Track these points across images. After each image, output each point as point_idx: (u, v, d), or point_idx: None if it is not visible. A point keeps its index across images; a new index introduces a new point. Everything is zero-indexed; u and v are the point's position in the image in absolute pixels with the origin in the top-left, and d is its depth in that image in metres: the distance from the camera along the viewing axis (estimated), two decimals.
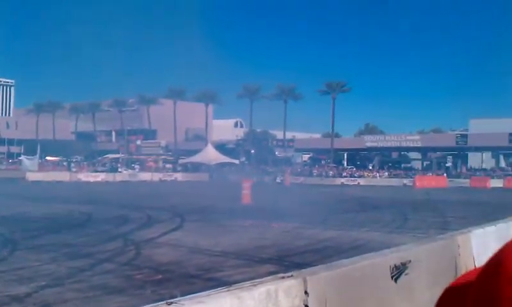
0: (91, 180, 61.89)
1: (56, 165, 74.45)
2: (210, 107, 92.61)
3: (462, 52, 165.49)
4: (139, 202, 29.12)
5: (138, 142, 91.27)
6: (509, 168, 66.82)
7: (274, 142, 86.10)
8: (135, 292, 9.10)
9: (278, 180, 60.35)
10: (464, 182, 58.96)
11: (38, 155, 70.47)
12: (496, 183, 56.21)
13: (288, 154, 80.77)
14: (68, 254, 12.70)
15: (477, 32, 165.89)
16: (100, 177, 63.96)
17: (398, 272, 6.75)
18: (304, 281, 5.36)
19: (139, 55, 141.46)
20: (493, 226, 9.40)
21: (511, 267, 0.62)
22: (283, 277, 5.43)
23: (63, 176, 61.92)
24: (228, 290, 5.00)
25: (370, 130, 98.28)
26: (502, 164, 73.56)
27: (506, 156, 74.78)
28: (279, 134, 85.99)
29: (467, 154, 74.71)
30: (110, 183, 59.23)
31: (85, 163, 79.92)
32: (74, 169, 70.01)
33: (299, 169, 73.57)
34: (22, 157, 71.93)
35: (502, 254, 0.66)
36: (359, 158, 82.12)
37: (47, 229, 17.51)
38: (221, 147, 78.64)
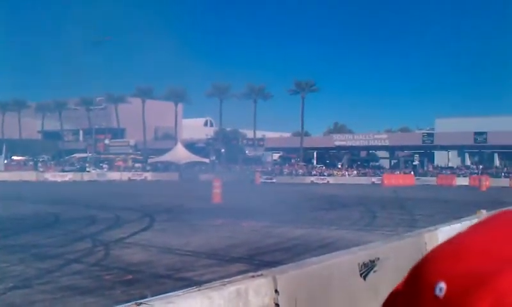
0: (59, 179, 61.03)
1: (22, 165, 73.09)
2: (180, 106, 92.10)
3: (429, 51, 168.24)
4: (108, 202, 28.83)
5: (106, 141, 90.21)
6: (474, 166, 68.20)
7: (245, 141, 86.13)
8: (104, 293, 9.04)
9: (263, 179, 60.02)
10: (431, 180, 60.05)
11: (3, 155, 69.11)
12: (462, 181, 57.42)
13: (258, 153, 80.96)
14: (36, 255, 12.52)
15: (443, 33, 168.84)
16: (68, 177, 63.10)
17: (367, 269, 6.87)
18: (274, 280, 5.42)
19: (106, 53, 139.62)
20: (459, 224, 9.61)
21: (428, 276, 0.66)
22: (253, 276, 5.48)
23: (30, 175, 60.92)
24: (198, 290, 5.02)
25: (339, 129, 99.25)
26: (468, 162, 75.06)
27: (471, 154, 76.34)
28: (249, 133, 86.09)
29: (433, 152, 76.03)
30: (78, 182, 58.48)
31: (52, 162, 78.68)
32: (41, 169, 68.86)
33: (269, 168, 73.80)
34: None
35: (421, 267, 0.70)
36: (328, 157, 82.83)
37: (13, 230, 17.19)
38: (190, 146, 78.36)
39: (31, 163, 75.48)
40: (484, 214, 11.24)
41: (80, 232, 16.79)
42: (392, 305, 0.77)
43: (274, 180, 62.23)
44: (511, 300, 0.55)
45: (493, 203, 24.57)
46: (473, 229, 0.68)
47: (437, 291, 0.62)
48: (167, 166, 72.84)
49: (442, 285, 0.62)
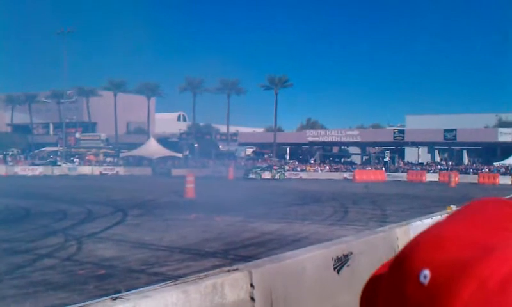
0: (29, 173, 60.04)
1: None
2: (153, 100, 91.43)
3: (400, 49, 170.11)
4: (80, 196, 28.51)
5: (77, 134, 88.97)
6: (444, 163, 69.33)
7: (218, 136, 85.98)
8: (77, 288, 8.97)
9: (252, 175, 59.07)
10: (402, 176, 60.81)
11: None
12: (431, 177, 58.28)
13: (231, 148, 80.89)
14: (6, 250, 12.34)
15: (414, 31, 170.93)
16: (38, 171, 62.09)
17: (340, 263, 6.97)
18: (250, 274, 5.46)
19: (77, 45, 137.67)
20: (430, 219, 9.79)
21: (412, 264, 0.70)
22: (228, 271, 5.52)
23: None
24: (174, 284, 5.04)
25: (311, 125, 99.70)
26: (437, 158, 76.29)
27: (441, 151, 77.59)
28: (222, 128, 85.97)
29: (404, 149, 77.05)
30: (48, 177, 57.60)
31: (22, 156, 77.34)
32: (11, 163, 67.64)
33: (242, 163, 73.81)
34: None
35: (404, 255, 0.73)
36: (301, 153, 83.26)
37: None
38: (163, 140, 77.90)
39: (0, 156, 74.11)
40: (454, 209, 11.46)
41: (51, 226, 16.59)
42: (372, 290, 0.80)
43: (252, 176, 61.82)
44: (493, 286, 0.57)
45: (462, 199, 25.06)
46: (451, 218, 0.72)
47: (421, 279, 0.65)
48: (139, 161, 72.27)
49: (426, 273, 0.65)
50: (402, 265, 0.67)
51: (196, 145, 77.54)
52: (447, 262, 0.62)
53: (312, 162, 74.56)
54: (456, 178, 51.69)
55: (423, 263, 0.64)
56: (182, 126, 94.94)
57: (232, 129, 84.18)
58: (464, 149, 74.96)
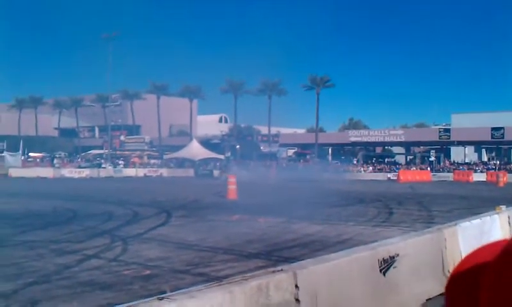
0: (75, 176, 61.52)
1: (39, 162, 73.74)
2: (195, 102, 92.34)
3: (444, 46, 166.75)
4: (125, 198, 28.99)
5: (122, 137, 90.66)
6: (492, 162, 67.54)
7: (259, 138, 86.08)
8: (123, 288, 9.08)
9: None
10: (448, 176, 59.54)
11: (20, 151, 69.78)
12: (479, 177, 56.83)
13: (273, 149, 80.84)
14: (54, 251, 12.62)
15: (459, 27, 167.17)
16: (84, 173, 63.58)
17: (386, 265, 6.84)
18: (295, 275, 5.41)
19: (121, 49, 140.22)
20: (479, 219, 9.53)
21: None
22: (273, 272, 5.48)
23: (47, 172, 61.47)
24: (219, 285, 5.03)
25: (354, 125, 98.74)
26: (485, 158, 74.38)
27: (488, 150, 75.60)
28: (264, 129, 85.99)
29: (450, 148, 75.39)
30: (94, 179, 58.89)
31: (68, 159, 79.30)
32: (58, 165, 69.44)
33: (284, 164, 73.68)
34: (5, 154, 71.04)
35: None
36: (343, 153, 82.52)
37: (32, 226, 17.36)
38: (205, 142, 78.51)
39: (47, 160, 76.14)
40: (503, 210, 11.12)
41: (98, 228, 16.90)
42: (460, 285, 0.75)
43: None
44: None
45: (511, 199, 24.32)
46: None
47: None
48: (182, 162, 73.05)
49: None
50: None
51: (237, 147, 77.84)
52: None
53: (355, 162, 73.79)
54: (505, 178, 50.23)
55: None
56: (224, 128, 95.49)
57: (273, 130, 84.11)
58: None
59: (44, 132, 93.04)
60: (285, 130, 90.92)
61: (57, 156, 78.55)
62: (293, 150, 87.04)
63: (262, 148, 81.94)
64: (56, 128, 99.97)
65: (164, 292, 5.45)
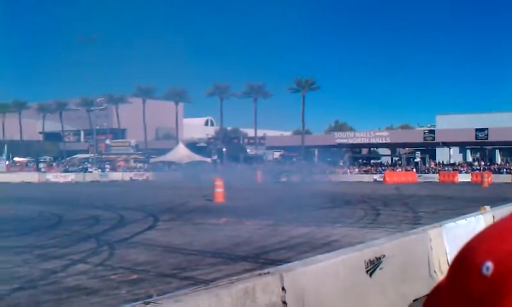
0: (61, 180, 61.06)
1: (24, 166, 73.11)
2: (181, 106, 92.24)
3: (429, 48, 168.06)
4: (111, 202, 28.82)
5: (107, 141, 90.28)
6: (476, 163, 68.15)
7: (246, 140, 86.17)
8: (110, 293, 9.03)
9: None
10: (433, 177, 59.98)
11: (5, 156, 69.15)
12: (464, 177, 57.36)
13: (259, 152, 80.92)
14: (40, 256, 12.52)
15: (444, 29, 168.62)
16: (70, 177, 63.12)
17: (373, 266, 6.88)
18: (281, 278, 5.43)
19: (106, 53, 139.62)
20: (464, 220, 9.62)
21: (475, 257, 0.67)
22: (260, 274, 5.50)
23: (32, 177, 60.91)
24: (205, 288, 5.03)
25: (339, 126, 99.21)
26: (469, 158, 75.02)
27: (473, 151, 76.28)
28: (250, 132, 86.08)
29: (435, 149, 75.95)
30: (80, 183, 58.49)
31: (54, 163, 78.73)
32: (43, 170, 68.90)
33: (270, 167, 73.67)
34: None
35: (467, 249, 0.71)
36: (330, 155, 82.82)
37: (17, 231, 17.20)
38: (192, 145, 78.38)
39: (33, 164, 75.52)
40: (488, 211, 11.24)
41: (84, 232, 16.80)
42: (436, 297, 0.78)
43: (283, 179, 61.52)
44: None
45: (496, 199, 24.57)
46: None
47: (484, 271, 0.63)
48: (168, 166, 72.85)
49: (489, 264, 0.63)
50: (464, 258, 0.65)
51: (224, 149, 77.81)
52: (510, 253, 0.61)
53: (341, 164, 74.04)
54: (489, 178, 50.74)
55: (486, 255, 0.63)
56: (210, 131, 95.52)
57: (260, 133, 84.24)
58: (496, 148, 73.52)
59: (29, 137, 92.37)
60: (271, 133, 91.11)
61: (42, 160, 77.94)
62: (279, 153, 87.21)
63: (248, 150, 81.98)
64: (40, 133, 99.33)
65: (151, 296, 5.44)
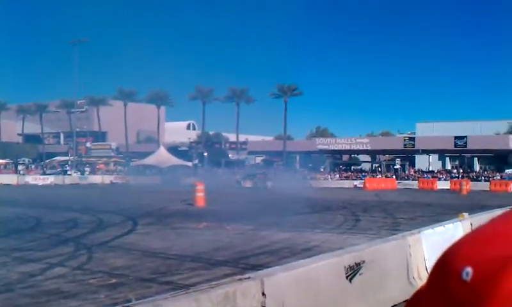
0: (40, 183, 60.39)
1: (2, 168, 72.14)
2: (162, 109, 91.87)
3: (410, 56, 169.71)
4: (90, 205, 28.58)
5: (88, 144, 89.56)
6: (455, 170, 68.92)
7: (228, 145, 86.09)
8: (89, 297, 8.95)
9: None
10: (413, 184, 60.51)
11: None
12: (443, 185, 57.94)
13: (241, 157, 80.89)
14: (18, 259, 12.36)
15: (424, 37, 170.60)
16: (49, 180, 62.46)
17: (352, 272, 6.92)
18: (262, 283, 5.44)
19: (87, 55, 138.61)
20: (442, 227, 9.71)
21: (455, 262, 0.69)
22: (240, 279, 5.49)
23: (11, 179, 60.18)
24: (185, 293, 5.02)
25: (321, 132, 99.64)
26: (448, 166, 75.86)
27: (452, 158, 77.16)
28: (232, 137, 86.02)
29: (415, 156, 76.69)
30: (59, 186, 57.92)
31: (33, 166, 77.82)
32: (22, 172, 68.06)
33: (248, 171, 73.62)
34: None
35: (447, 255, 0.72)
36: (311, 161, 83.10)
37: None
38: (173, 149, 78.07)
39: (11, 166, 74.55)
40: (466, 218, 11.37)
41: (62, 235, 16.62)
42: (416, 302, 0.79)
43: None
44: None
45: (474, 207, 24.89)
46: (495, 220, 0.71)
47: (464, 276, 0.65)
48: (149, 169, 72.44)
49: (469, 270, 0.65)
50: (444, 264, 0.67)
51: (205, 154, 77.64)
52: (489, 258, 0.62)
53: (322, 170, 74.34)
54: (468, 186, 51.35)
55: (465, 260, 0.64)
56: (192, 135, 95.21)
57: (242, 137, 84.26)
58: (475, 156, 74.48)
59: (8, 138, 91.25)
60: (253, 138, 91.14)
61: (21, 162, 76.98)
62: (261, 158, 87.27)
63: (230, 155, 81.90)
64: (19, 134, 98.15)
65: (130, 301, 5.40)
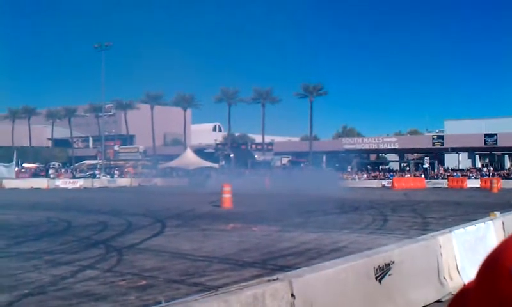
0: (70, 186, 61.32)
1: (33, 172, 73.48)
2: (188, 111, 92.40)
3: (438, 53, 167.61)
4: (119, 208, 28.89)
5: (116, 147, 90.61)
6: (485, 168, 67.81)
7: (254, 146, 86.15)
8: (119, 299, 9.05)
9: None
10: (442, 183, 59.73)
11: (14, 162, 69.50)
12: (473, 183, 57.04)
13: (267, 157, 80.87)
14: (49, 262, 12.57)
15: (451, 34, 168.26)
16: (79, 183, 63.39)
17: (382, 273, 6.86)
18: (290, 284, 5.43)
19: (115, 59, 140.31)
20: (473, 226, 9.56)
21: (504, 260, 0.67)
22: (269, 281, 5.49)
23: (41, 183, 61.22)
24: (215, 294, 5.04)
25: (347, 132, 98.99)
26: (478, 164, 74.67)
27: (482, 156, 75.92)
28: (258, 138, 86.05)
29: (444, 155, 75.66)
30: (88, 189, 58.72)
31: (63, 169, 79.08)
32: (52, 176, 69.22)
33: (279, 173, 73.57)
34: None
35: (496, 252, 0.71)
36: (337, 161, 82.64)
37: (26, 237, 17.29)
38: (200, 151, 78.45)
39: (42, 170, 75.89)
40: (498, 216, 11.17)
41: (92, 238, 16.85)
42: (461, 300, 0.78)
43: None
44: None
45: (506, 205, 24.43)
46: None
47: None
48: (176, 172, 72.92)
49: None
50: (493, 262, 0.66)
51: (232, 155, 77.83)
52: None
53: (349, 170, 73.86)
54: (498, 184, 50.42)
55: None
56: (218, 137, 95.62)
57: (267, 138, 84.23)
58: (505, 153, 73.15)
59: (38, 143, 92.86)
60: (279, 139, 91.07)
61: (51, 166, 78.31)
62: (287, 158, 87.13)
63: (256, 156, 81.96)
64: (49, 139, 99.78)
65: (160, 302, 5.45)
